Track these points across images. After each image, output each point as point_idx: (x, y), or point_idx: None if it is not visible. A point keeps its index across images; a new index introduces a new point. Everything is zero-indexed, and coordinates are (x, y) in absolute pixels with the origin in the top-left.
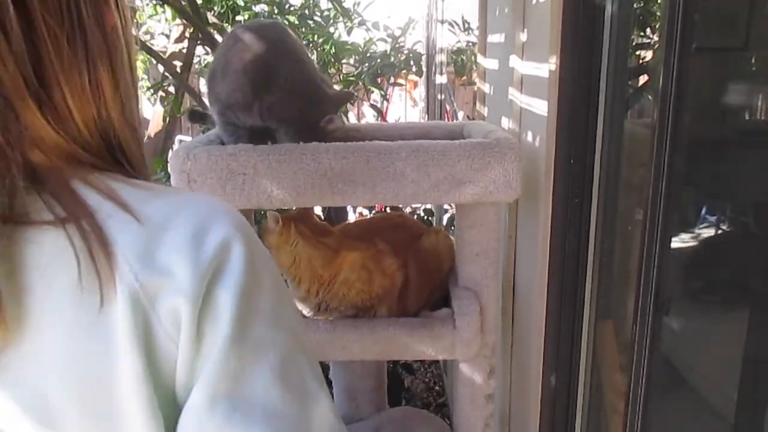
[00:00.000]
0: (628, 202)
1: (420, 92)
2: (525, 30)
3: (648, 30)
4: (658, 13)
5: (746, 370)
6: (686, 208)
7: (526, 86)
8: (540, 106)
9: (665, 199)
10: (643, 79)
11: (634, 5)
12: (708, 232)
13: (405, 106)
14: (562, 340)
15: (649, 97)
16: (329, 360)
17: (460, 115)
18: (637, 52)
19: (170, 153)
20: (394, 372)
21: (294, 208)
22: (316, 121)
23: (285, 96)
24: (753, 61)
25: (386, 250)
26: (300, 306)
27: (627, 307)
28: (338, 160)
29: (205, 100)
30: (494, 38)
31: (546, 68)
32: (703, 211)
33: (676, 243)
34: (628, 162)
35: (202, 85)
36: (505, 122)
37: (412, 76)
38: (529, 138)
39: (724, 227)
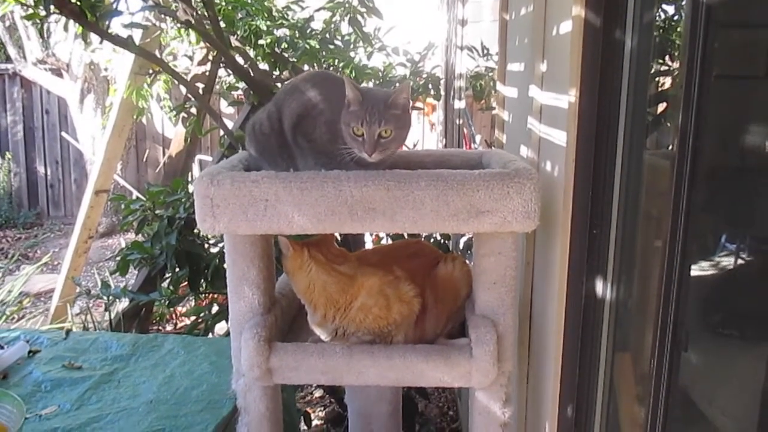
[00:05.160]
0: (647, 233)
1: (438, 116)
2: (545, 61)
3: (668, 58)
4: (678, 42)
5: (766, 405)
6: (706, 238)
7: (545, 116)
8: (559, 137)
9: (684, 231)
10: (662, 109)
11: (654, 35)
12: (728, 264)
13: (423, 129)
14: (580, 370)
15: (668, 124)
16: (345, 384)
17: (478, 138)
18: (657, 82)
19: (190, 173)
20: (408, 396)
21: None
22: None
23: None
24: None
25: (404, 276)
26: (317, 331)
27: (645, 339)
28: (359, 188)
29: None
30: (514, 67)
31: (565, 99)
32: (723, 240)
33: (696, 274)
34: (647, 193)
35: (223, 107)
36: (524, 150)
37: (430, 99)
38: (548, 167)
39: (744, 258)
